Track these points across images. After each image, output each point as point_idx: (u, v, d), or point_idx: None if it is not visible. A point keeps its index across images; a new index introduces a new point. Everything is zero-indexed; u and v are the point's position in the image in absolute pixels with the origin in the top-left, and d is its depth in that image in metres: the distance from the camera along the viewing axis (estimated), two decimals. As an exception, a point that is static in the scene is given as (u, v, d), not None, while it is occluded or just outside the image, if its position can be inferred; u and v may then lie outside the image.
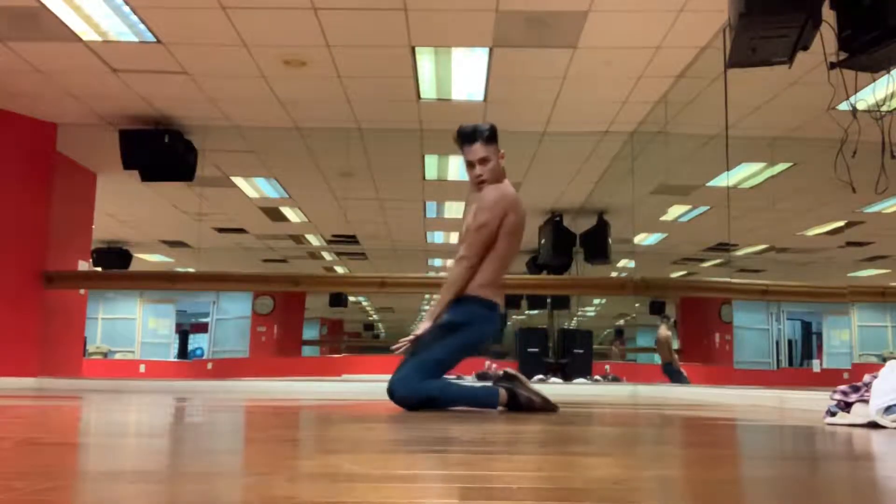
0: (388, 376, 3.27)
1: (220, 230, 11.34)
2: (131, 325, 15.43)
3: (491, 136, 3.32)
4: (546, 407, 3.19)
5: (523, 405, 3.16)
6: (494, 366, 10.79)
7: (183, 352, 18.08)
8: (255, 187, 9.16)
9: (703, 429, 2.46)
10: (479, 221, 3.26)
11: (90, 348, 13.88)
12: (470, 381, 6.76)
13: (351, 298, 18.64)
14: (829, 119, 3.50)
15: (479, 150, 3.30)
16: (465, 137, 3.32)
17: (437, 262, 14.58)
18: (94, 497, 0.97)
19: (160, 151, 6.92)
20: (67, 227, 7.39)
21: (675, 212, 9.69)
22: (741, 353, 13.52)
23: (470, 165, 3.34)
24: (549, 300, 12.35)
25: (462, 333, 3.26)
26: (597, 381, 9.99)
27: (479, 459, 1.44)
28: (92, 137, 7.21)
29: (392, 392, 3.18)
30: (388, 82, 6.03)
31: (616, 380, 10.36)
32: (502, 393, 3.19)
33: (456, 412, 3.03)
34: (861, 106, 3.35)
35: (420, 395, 3.15)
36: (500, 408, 3.20)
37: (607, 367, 11.99)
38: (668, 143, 6.92)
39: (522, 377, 3.26)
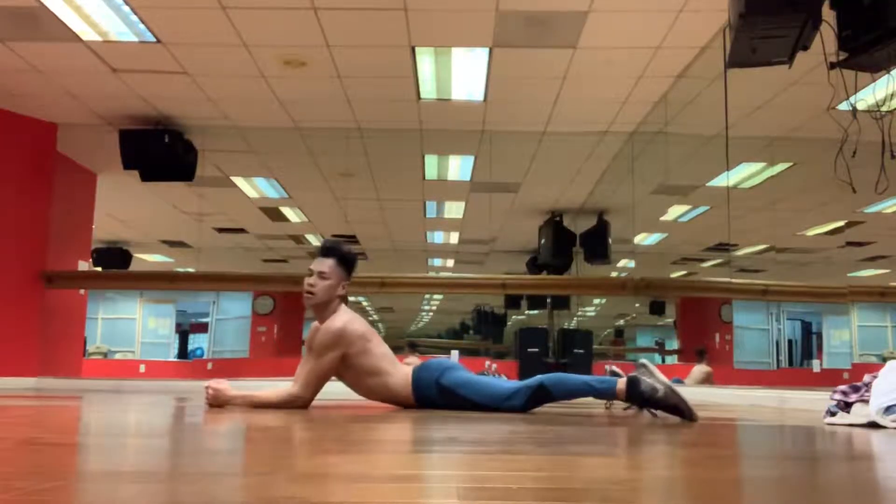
0: None
1: (220, 230, 11.34)
2: (131, 325, 15.43)
3: (343, 260, 3.25)
4: (677, 405, 2.70)
5: (645, 394, 2.76)
6: (495, 366, 10.78)
7: (183, 352, 18.07)
8: (255, 187, 9.16)
9: (703, 429, 2.46)
10: (314, 365, 3.15)
11: (90, 348, 13.89)
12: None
13: (351, 298, 18.54)
14: (829, 119, 3.50)
15: (324, 264, 3.22)
16: (321, 250, 3.28)
17: (437, 261, 14.58)
18: (94, 497, 0.97)
19: (160, 151, 6.91)
20: (67, 227, 7.39)
21: (675, 212, 9.70)
22: (741, 353, 13.52)
23: (309, 274, 3.24)
24: (549, 300, 12.33)
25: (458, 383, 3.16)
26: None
27: (479, 459, 1.44)
28: (92, 137, 7.21)
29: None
30: (388, 82, 6.03)
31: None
32: (620, 381, 2.88)
33: (458, 412, 3.02)
34: (861, 106, 3.35)
35: (531, 386, 3.01)
36: (620, 404, 2.97)
37: (607, 367, 11.96)
38: (668, 144, 6.92)
39: (651, 366, 2.87)
